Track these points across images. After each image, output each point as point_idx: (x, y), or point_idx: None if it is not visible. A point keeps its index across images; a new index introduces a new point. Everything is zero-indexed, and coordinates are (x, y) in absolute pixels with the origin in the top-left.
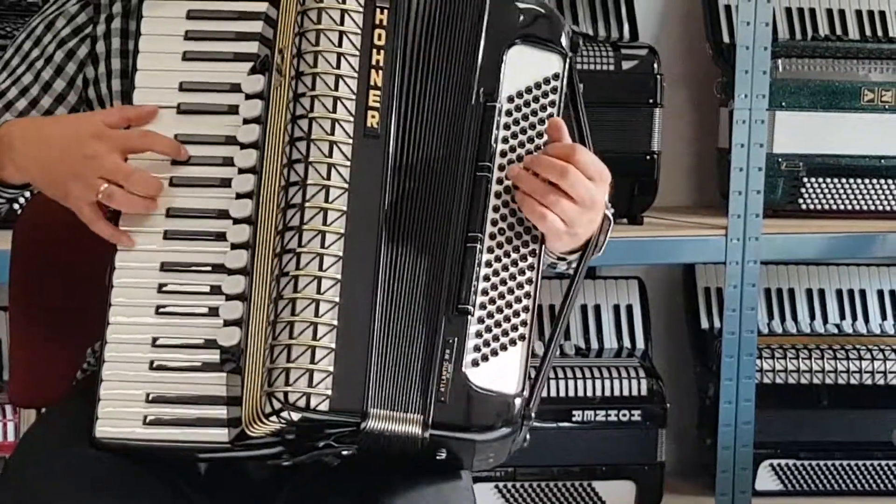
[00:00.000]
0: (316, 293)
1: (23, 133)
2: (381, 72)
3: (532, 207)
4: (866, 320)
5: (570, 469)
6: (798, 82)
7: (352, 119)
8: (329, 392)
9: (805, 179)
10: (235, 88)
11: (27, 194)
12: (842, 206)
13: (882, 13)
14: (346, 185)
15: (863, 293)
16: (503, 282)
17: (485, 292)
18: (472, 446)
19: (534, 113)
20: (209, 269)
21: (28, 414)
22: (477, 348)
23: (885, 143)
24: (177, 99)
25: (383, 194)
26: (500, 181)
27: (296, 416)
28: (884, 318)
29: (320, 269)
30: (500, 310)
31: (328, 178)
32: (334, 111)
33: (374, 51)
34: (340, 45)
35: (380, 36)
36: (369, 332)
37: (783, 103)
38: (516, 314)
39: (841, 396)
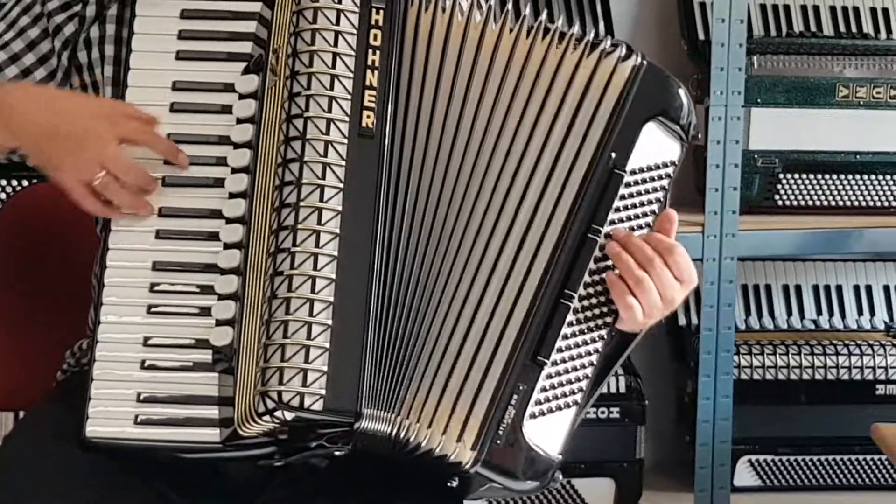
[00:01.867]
0: (310, 293)
1: (26, 96)
2: (376, 72)
3: (622, 293)
4: (843, 316)
5: None
6: (773, 79)
7: (347, 119)
8: (323, 392)
9: (781, 175)
10: (229, 88)
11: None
12: (818, 202)
13: (856, 9)
14: (340, 185)
15: (839, 289)
16: (576, 345)
17: (559, 350)
18: (495, 487)
19: (646, 192)
20: (202, 268)
21: (5, 416)
22: (538, 402)
23: (860, 138)
24: (170, 98)
25: (378, 194)
26: (601, 247)
27: (289, 416)
28: (860, 313)
29: (315, 268)
30: (566, 371)
31: (323, 178)
32: (329, 111)
33: (370, 51)
34: (336, 44)
35: (375, 36)
36: (364, 333)
37: (759, 100)
38: (578, 379)
39: (818, 392)
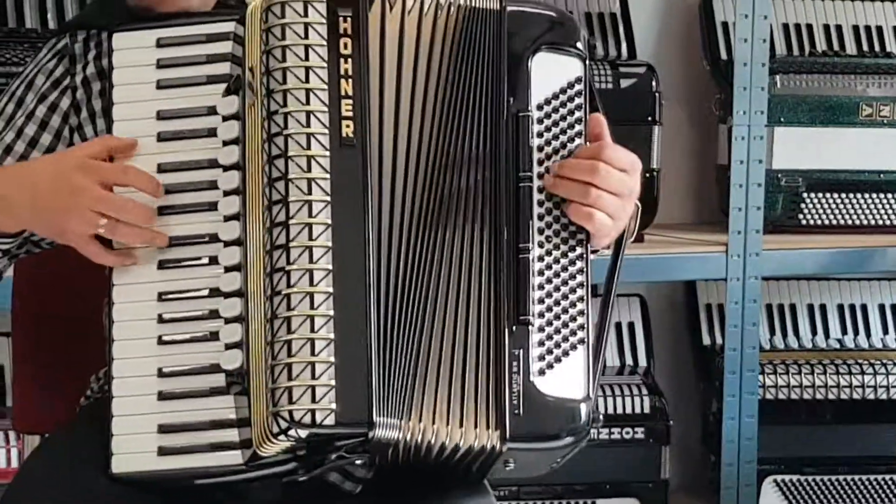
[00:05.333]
0: (309, 309)
1: (8, 180)
2: (350, 80)
3: (577, 210)
4: (868, 335)
5: (574, 487)
6: (796, 98)
7: (327, 131)
8: (333, 406)
9: (805, 195)
10: (212, 111)
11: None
12: (841, 221)
13: (879, 28)
14: (328, 199)
15: (864, 308)
16: (557, 288)
17: (541, 301)
18: (544, 456)
19: (563, 118)
20: (206, 293)
21: (32, 440)
22: (541, 357)
23: (883, 157)
24: (156, 128)
25: (366, 202)
26: (540, 189)
27: (303, 434)
28: (885, 332)
29: (311, 284)
30: (557, 316)
31: (309, 193)
32: (308, 125)
33: (342, 60)
34: (307, 58)
35: (346, 45)
36: (367, 343)
37: (782, 119)
38: (573, 318)
39: (844, 411)
